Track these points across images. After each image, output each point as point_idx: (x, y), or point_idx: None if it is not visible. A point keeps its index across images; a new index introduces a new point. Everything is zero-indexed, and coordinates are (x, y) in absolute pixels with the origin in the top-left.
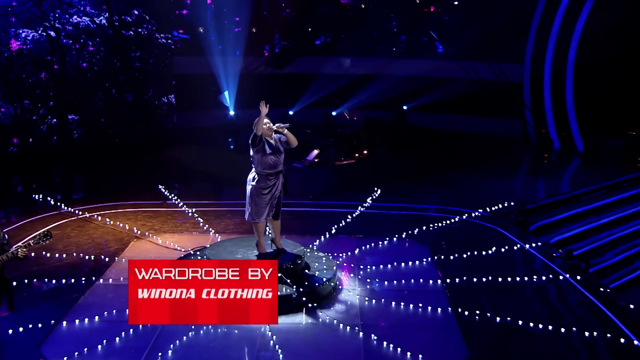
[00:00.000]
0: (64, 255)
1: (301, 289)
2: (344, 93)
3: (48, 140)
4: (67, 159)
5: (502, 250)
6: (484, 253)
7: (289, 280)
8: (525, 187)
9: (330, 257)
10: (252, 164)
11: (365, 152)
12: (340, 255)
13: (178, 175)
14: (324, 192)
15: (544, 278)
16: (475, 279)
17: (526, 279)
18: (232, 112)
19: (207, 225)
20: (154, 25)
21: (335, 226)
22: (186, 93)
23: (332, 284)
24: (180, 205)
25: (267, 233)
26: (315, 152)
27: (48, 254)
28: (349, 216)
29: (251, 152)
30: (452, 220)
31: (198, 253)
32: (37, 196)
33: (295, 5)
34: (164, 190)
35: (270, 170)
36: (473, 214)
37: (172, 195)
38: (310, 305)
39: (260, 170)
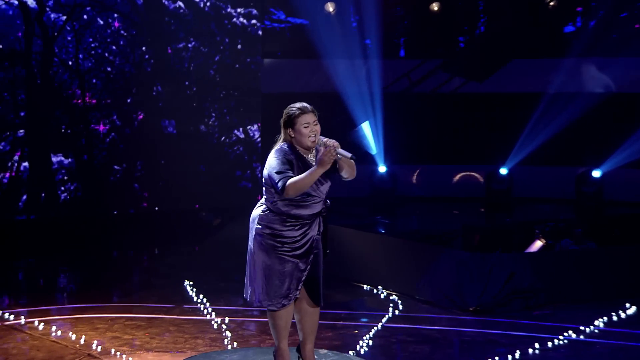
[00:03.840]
0: None
1: None
2: (608, 133)
3: (11, 203)
4: (43, 237)
5: None
6: None
7: None
8: None
9: None
10: (264, 193)
11: None
12: None
13: (231, 265)
14: (503, 302)
15: None
16: None
17: None
18: (381, 168)
19: (235, 343)
20: None
21: (497, 359)
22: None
23: None
24: (205, 311)
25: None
26: (539, 244)
27: None
28: (537, 345)
29: (265, 172)
30: None
31: None
32: None
33: None
34: (189, 288)
35: (299, 211)
36: None
37: (201, 296)
38: None
39: (280, 205)
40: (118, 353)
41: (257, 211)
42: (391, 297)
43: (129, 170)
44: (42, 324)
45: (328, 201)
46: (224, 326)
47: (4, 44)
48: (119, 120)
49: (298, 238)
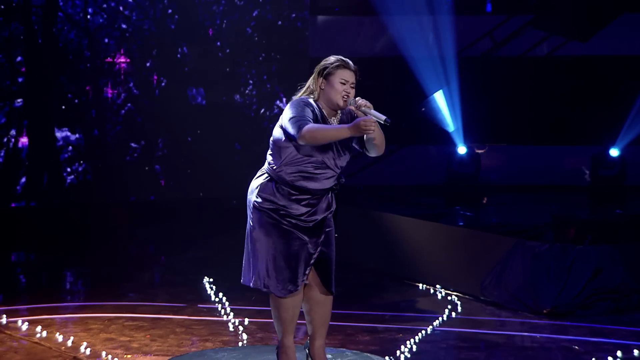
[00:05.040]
0: None
1: None
2: None
3: (7, 187)
4: (44, 227)
5: None
6: None
7: None
8: None
9: None
10: (270, 157)
11: None
12: None
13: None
14: (585, 304)
15: None
16: None
17: None
18: (461, 149)
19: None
20: None
21: None
22: None
23: None
24: (222, 311)
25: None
26: None
27: None
28: (620, 353)
29: (276, 133)
30: None
31: None
32: None
33: None
34: (208, 286)
35: (306, 183)
36: None
37: (220, 295)
38: None
39: (285, 173)
40: (109, 356)
41: (256, 181)
42: (450, 298)
43: (149, 149)
44: (27, 323)
45: (343, 178)
46: (241, 328)
47: None
48: (136, 88)
49: (304, 214)
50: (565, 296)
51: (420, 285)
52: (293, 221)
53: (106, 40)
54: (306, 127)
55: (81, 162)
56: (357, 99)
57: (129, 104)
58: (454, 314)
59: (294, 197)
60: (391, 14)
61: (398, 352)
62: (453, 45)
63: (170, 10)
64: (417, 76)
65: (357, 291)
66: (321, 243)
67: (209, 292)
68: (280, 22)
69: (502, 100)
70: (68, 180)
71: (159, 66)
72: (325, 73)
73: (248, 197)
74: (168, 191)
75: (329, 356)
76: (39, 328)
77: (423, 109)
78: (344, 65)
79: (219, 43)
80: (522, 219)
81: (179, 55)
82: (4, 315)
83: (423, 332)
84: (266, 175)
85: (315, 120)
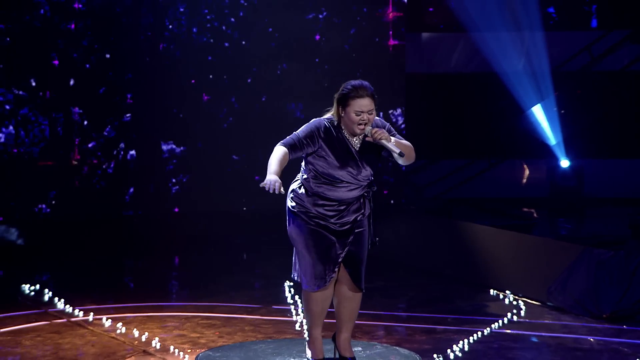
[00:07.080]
0: None
1: None
2: None
3: (117, 197)
4: (151, 234)
5: None
6: None
7: None
8: None
9: None
10: (302, 167)
11: None
12: None
13: None
14: None
15: None
16: None
17: None
18: (564, 163)
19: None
20: None
21: None
22: (434, 117)
23: None
24: (293, 312)
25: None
26: None
27: None
28: None
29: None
30: None
31: None
32: (30, 287)
33: None
34: (288, 290)
35: (332, 194)
36: None
37: (296, 297)
38: None
39: (312, 184)
40: (177, 350)
41: (292, 186)
42: (516, 303)
43: (250, 161)
44: (110, 320)
45: (374, 187)
46: (306, 327)
47: (105, 15)
48: (237, 103)
49: (332, 218)
50: (627, 301)
51: (492, 290)
52: (322, 222)
53: (210, 57)
54: (278, 145)
55: (185, 173)
56: (374, 130)
57: (231, 118)
58: (515, 318)
59: (320, 203)
60: (490, 31)
61: (449, 350)
62: (550, 60)
63: (270, 29)
64: (514, 91)
65: (430, 296)
66: (350, 243)
67: (287, 294)
68: (377, 39)
69: (603, 114)
70: (173, 190)
71: (260, 82)
72: (343, 102)
73: (286, 200)
74: (267, 201)
75: (358, 349)
76: (119, 324)
77: (523, 123)
78: (358, 95)
79: (317, 59)
80: (614, 230)
81: (278, 72)
82: (91, 313)
83: (479, 333)
84: (299, 182)
85: (330, 142)
